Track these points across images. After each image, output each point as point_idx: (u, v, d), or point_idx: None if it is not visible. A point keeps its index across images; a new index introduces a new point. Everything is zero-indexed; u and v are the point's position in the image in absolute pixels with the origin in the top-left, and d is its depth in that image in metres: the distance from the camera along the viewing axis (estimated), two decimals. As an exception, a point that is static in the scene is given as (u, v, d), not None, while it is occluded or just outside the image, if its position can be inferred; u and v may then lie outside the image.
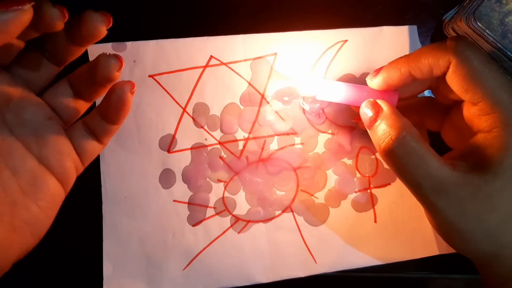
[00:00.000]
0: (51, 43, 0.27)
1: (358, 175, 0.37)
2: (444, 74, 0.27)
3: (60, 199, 0.29)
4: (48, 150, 0.28)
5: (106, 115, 0.29)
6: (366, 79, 0.31)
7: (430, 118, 0.34)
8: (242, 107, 0.36)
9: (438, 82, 0.30)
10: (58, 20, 0.24)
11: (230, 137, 0.36)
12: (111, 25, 0.27)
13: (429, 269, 0.37)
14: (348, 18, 0.37)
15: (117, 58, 0.27)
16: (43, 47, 0.28)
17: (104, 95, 0.29)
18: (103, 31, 0.27)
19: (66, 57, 0.28)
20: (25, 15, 0.22)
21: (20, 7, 0.22)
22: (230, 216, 0.35)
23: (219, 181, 0.35)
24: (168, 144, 0.35)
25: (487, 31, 0.34)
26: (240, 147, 0.36)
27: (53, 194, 0.28)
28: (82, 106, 0.31)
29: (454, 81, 0.27)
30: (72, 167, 0.29)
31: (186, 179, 0.35)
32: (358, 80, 0.37)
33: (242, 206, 0.36)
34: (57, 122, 0.29)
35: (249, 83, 0.36)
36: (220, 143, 0.36)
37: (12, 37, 0.23)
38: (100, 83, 0.28)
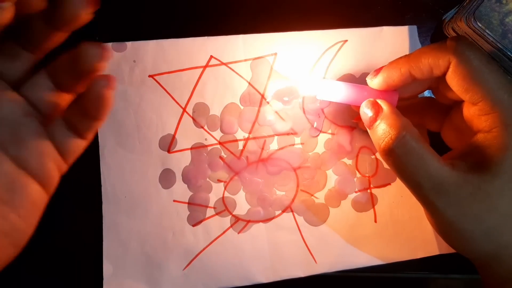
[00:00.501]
0: (26, 28, 0.24)
1: (358, 175, 0.37)
2: (444, 74, 0.28)
3: (42, 203, 0.26)
4: (27, 151, 0.25)
5: (86, 111, 0.25)
6: (366, 79, 0.31)
7: (430, 118, 0.34)
8: (242, 107, 0.36)
9: (438, 82, 0.30)
10: None
11: (230, 137, 0.36)
12: (97, 7, 0.24)
13: (429, 269, 0.37)
14: (348, 18, 0.37)
15: (101, 48, 0.24)
16: (17, 34, 0.25)
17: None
18: (86, 15, 0.23)
19: (44, 44, 0.25)
20: (6, 13, 0.20)
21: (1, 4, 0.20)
22: (230, 216, 0.35)
23: (219, 181, 0.35)
24: (168, 144, 0.35)
25: (487, 31, 0.34)
26: (240, 147, 0.36)
27: (34, 199, 0.25)
28: (63, 99, 0.27)
29: (454, 81, 0.27)
30: (54, 168, 0.26)
31: (186, 179, 0.35)
32: (358, 80, 0.37)
33: (242, 206, 0.36)
34: (36, 119, 0.26)
35: (249, 83, 0.36)
36: (220, 143, 0.36)
37: None
38: (82, 75, 0.25)
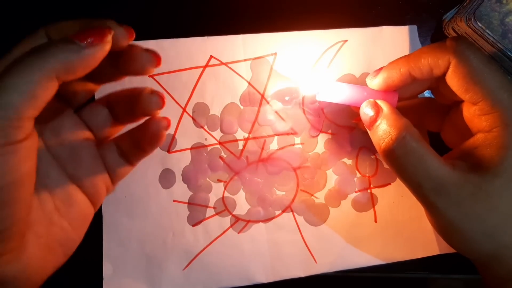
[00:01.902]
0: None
1: (358, 175, 0.37)
2: (444, 74, 0.27)
3: (90, 218, 0.28)
4: (82, 171, 0.27)
5: (139, 144, 0.29)
6: (366, 79, 0.31)
7: (430, 119, 0.34)
8: (242, 107, 0.36)
9: (438, 82, 0.30)
10: (124, 39, 0.24)
11: (230, 137, 0.36)
12: (159, 65, 0.26)
13: (429, 269, 0.37)
14: (348, 18, 0.37)
15: (160, 96, 0.27)
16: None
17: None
18: (150, 71, 0.26)
19: (107, 80, 0.28)
20: (108, 46, 0.22)
21: (104, 38, 0.22)
22: (230, 216, 0.35)
23: (219, 181, 0.35)
24: (168, 144, 0.35)
25: (487, 31, 0.34)
26: (240, 147, 0.36)
27: (85, 213, 0.28)
28: (117, 127, 0.30)
29: (454, 81, 0.27)
30: (103, 188, 0.29)
31: (186, 179, 0.35)
32: (358, 80, 0.37)
33: (242, 206, 0.36)
34: (92, 142, 0.28)
35: (249, 83, 0.36)
36: (220, 143, 0.36)
37: (92, 68, 0.22)
38: (139, 115, 0.28)
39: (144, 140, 0.28)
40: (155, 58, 0.26)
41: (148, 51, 0.25)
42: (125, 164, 0.29)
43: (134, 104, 0.27)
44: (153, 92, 0.27)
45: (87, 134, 0.28)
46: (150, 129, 0.28)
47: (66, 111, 0.27)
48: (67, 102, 0.27)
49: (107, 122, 0.29)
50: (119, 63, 0.26)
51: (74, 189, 0.27)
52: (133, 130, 0.29)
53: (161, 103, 0.27)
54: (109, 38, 0.22)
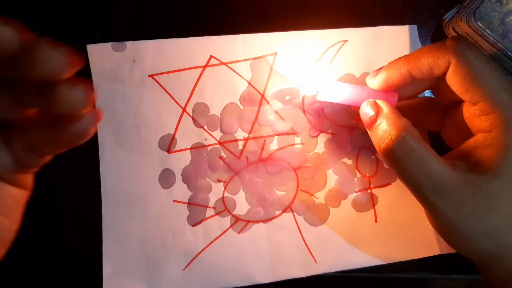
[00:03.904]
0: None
1: (358, 175, 0.37)
2: (444, 74, 0.27)
3: (22, 199, 0.26)
4: None
5: (59, 142, 0.23)
6: (366, 79, 0.31)
7: (430, 118, 0.34)
8: (242, 107, 0.36)
9: (438, 82, 0.30)
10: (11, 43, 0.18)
11: (230, 137, 0.36)
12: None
13: (429, 269, 0.37)
14: (348, 18, 0.37)
15: (85, 91, 0.20)
16: None
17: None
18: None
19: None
20: None
21: None
22: (230, 216, 0.35)
23: (219, 181, 0.35)
24: (168, 144, 0.35)
25: (487, 31, 0.34)
26: (240, 147, 0.36)
27: (14, 197, 0.25)
28: (22, 112, 0.23)
29: (454, 81, 0.27)
30: (20, 173, 0.25)
31: (186, 179, 0.35)
32: (358, 80, 0.37)
33: (242, 206, 0.35)
34: None
35: (249, 83, 0.36)
36: (220, 143, 0.35)
37: None
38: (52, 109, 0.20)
39: (66, 138, 0.22)
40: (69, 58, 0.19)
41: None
42: (36, 157, 0.24)
43: (46, 94, 0.20)
44: (75, 85, 0.19)
45: None
46: (79, 126, 0.21)
47: None
48: None
49: (10, 106, 0.22)
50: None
51: None
52: (48, 124, 0.22)
53: (86, 100, 0.20)
54: None
